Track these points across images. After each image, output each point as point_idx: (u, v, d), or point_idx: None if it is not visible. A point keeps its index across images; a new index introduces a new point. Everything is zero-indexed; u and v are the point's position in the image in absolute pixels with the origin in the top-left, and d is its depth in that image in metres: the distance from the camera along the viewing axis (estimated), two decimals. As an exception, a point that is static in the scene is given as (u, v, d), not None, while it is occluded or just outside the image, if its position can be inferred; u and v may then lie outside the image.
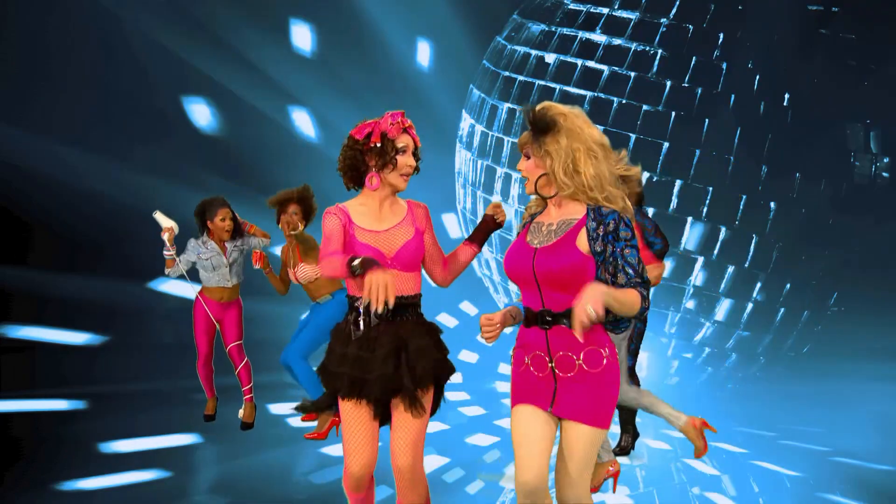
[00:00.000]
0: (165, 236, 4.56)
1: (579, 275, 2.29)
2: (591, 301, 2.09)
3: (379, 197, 2.73)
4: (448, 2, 7.12)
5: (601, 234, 2.29)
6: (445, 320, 7.15)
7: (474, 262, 7.28)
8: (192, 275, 4.88)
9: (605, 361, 2.32)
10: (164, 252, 4.65)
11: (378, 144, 2.65)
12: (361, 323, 2.65)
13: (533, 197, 2.50)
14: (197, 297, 4.91)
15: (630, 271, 2.27)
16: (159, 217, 4.57)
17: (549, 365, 2.34)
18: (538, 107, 2.33)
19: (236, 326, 4.92)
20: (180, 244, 4.74)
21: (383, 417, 2.70)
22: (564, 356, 2.32)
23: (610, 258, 2.29)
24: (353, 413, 2.64)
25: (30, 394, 5.71)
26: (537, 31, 6.25)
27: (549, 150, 2.30)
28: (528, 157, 2.41)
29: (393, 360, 2.60)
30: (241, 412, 4.97)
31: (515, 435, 2.37)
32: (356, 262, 2.46)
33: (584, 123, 2.32)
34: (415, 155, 2.76)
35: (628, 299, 2.22)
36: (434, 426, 4.33)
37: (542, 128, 2.31)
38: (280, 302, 5.08)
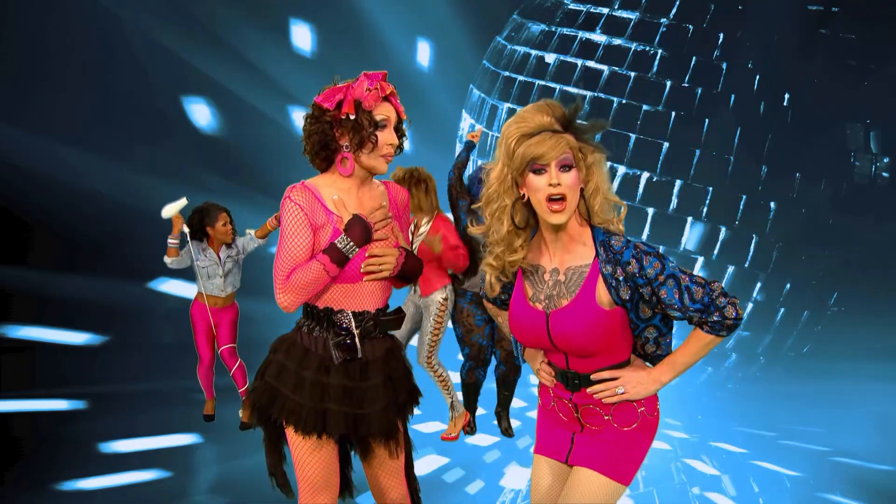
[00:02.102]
0: (169, 215, 4.37)
1: (608, 334, 1.87)
2: (628, 386, 1.90)
3: (355, 180, 2.18)
4: (448, 2, 7.12)
5: (622, 278, 1.82)
6: (445, 320, 7.14)
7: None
8: (191, 277, 4.83)
9: (639, 419, 1.96)
10: (169, 240, 4.46)
11: (351, 116, 2.08)
12: (352, 347, 2.16)
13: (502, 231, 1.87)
14: (194, 300, 4.82)
15: (677, 314, 1.84)
16: (179, 204, 4.37)
17: (575, 414, 2.01)
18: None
19: (230, 330, 4.85)
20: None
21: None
22: (591, 410, 1.98)
23: (650, 299, 1.84)
24: (319, 446, 2.19)
25: (30, 394, 5.70)
26: (537, 31, 6.25)
27: (595, 159, 1.83)
28: (568, 168, 1.80)
29: (388, 393, 2.21)
30: (241, 412, 4.96)
31: (532, 488, 2.12)
32: (346, 245, 2.07)
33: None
34: (398, 130, 2.18)
35: (698, 348, 1.87)
36: (434, 426, 4.34)
37: (588, 129, 1.82)
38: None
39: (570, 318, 1.84)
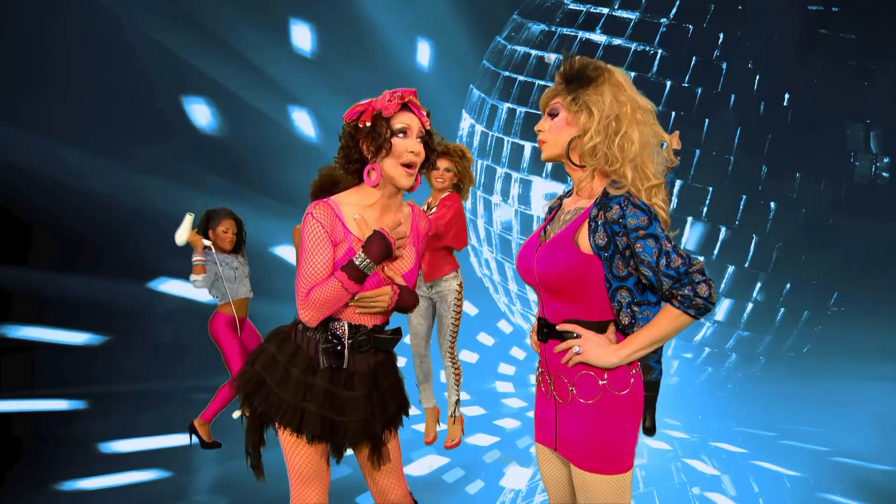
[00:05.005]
0: (183, 239, 4.12)
1: (577, 280, 1.86)
2: (585, 347, 1.86)
3: (381, 197, 2.17)
4: (448, 2, 7.12)
5: (601, 222, 1.82)
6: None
7: (474, 262, 7.27)
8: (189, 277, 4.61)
9: (600, 393, 1.88)
10: (194, 258, 4.17)
11: (368, 124, 2.11)
12: (339, 356, 2.17)
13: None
14: (216, 316, 4.37)
15: (648, 273, 1.78)
16: (187, 223, 4.14)
17: (550, 387, 1.99)
18: (577, 57, 1.92)
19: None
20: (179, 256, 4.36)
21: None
22: (559, 380, 1.95)
23: (625, 251, 1.80)
24: (307, 445, 2.20)
25: (30, 394, 5.71)
26: (537, 31, 6.25)
27: (590, 102, 1.85)
28: (554, 116, 1.95)
29: (369, 405, 2.21)
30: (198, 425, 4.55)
31: (542, 476, 2.14)
32: (363, 262, 2.06)
33: (629, 83, 1.90)
34: (426, 143, 2.16)
35: (666, 323, 1.80)
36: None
37: (583, 77, 1.87)
38: (284, 302, 5.08)
39: (550, 251, 1.89)
